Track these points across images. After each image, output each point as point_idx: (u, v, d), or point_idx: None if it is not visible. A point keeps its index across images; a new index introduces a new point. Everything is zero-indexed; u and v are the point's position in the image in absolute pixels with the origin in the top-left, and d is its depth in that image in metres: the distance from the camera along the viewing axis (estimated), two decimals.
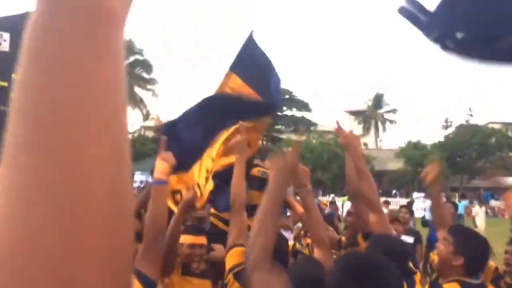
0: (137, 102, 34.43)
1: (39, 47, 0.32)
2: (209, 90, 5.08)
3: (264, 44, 3.95)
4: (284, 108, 37.09)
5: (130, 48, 32.59)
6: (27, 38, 0.32)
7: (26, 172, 0.30)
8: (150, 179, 3.54)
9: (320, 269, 1.76)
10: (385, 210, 7.61)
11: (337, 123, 2.92)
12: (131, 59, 33.33)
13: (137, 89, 34.30)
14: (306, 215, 2.47)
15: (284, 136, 35.46)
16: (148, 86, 34.98)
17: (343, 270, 1.41)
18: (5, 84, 14.16)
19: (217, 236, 3.16)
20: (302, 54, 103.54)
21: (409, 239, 5.53)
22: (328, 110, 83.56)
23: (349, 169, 2.85)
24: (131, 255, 0.35)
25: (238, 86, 3.62)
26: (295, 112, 37.03)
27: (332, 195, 23.41)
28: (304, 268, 1.89)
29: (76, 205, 0.29)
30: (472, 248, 2.26)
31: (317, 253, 2.29)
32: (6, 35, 13.75)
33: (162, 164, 2.25)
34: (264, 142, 35.78)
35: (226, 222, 3.26)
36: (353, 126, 46.30)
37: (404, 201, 19.78)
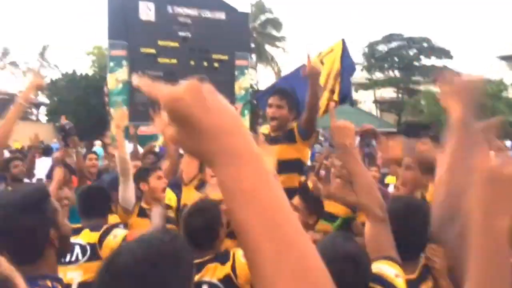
0: (269, 60, 35.16)
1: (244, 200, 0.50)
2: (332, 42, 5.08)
3: None
4: (421, 57, 34.32)
5: (261, 8, 33.14)
6: (230, 196, 0.51)
7: (270, 257, 0.48)
8: None
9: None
10: None
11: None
12: (262, 18, 33.90)
13: (267, 47, 34.95)
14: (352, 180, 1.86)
15: (422, 87, 33.02)
16: (278, 44, 35.34)
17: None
18: (153, 51, 15.64)
19: None
20: None
21: None
22: (475, 56, 75.03)
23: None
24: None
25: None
26: (434, 61, 33.95)
27: None
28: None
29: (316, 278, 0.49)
30: None
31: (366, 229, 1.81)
32: (151, 5, 15.06)
33: None
34: (400, 95, 33.88)
35: None
36: (505, 73, 40.90)
37: None
